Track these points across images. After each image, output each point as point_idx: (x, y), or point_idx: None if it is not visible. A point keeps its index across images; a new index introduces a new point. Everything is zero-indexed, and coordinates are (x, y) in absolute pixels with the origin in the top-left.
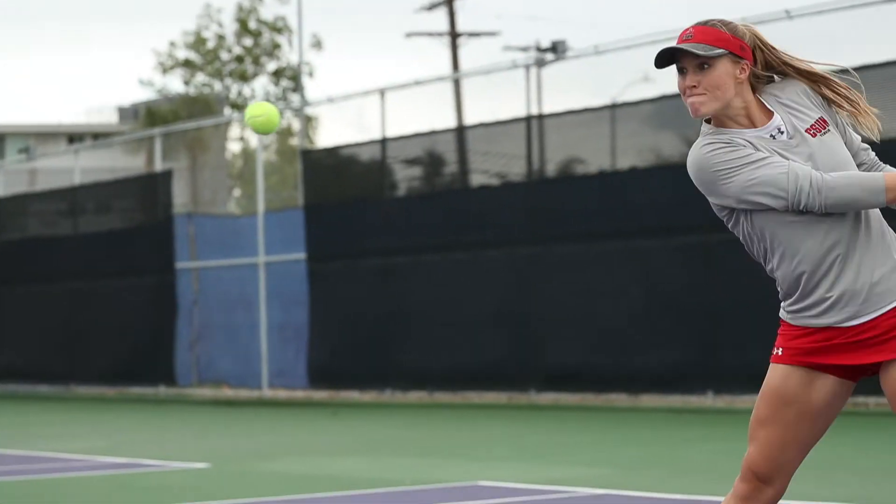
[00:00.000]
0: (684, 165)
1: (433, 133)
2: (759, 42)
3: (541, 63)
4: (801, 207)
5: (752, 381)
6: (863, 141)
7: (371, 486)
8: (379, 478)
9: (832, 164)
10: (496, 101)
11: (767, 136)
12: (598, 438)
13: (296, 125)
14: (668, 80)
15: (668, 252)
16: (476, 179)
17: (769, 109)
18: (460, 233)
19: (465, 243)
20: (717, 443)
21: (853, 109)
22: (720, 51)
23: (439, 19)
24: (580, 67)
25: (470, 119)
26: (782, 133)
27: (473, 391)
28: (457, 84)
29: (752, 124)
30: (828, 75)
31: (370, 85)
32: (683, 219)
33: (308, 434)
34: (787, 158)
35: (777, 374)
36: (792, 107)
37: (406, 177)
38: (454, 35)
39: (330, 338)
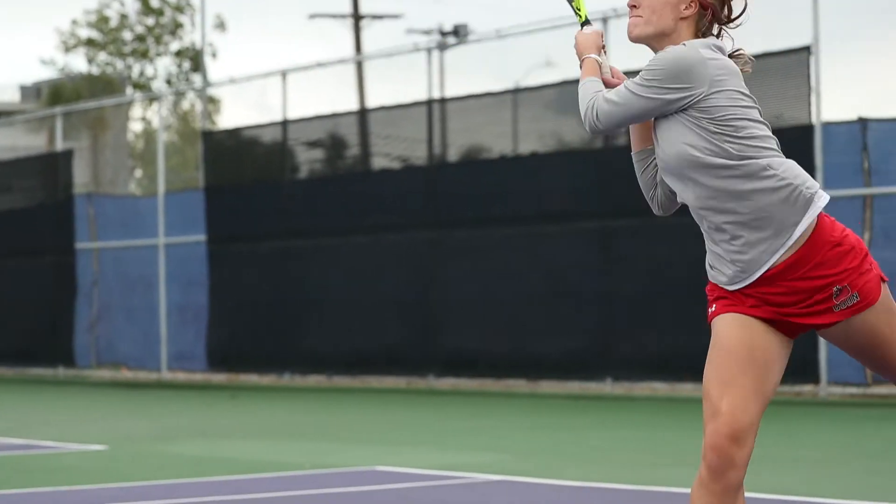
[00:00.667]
0: (585, 151)
1: (335, 115)
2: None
3: (443, 46)
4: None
5: (649, 368)
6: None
7: (269, 470)
8: (277, 461)
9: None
10: (399, 84)
11: None
12: (497, 424)
13: (198, 106)
14: (571, 65)
15: (568, 238)
16: (378, 163)
17: None
18: (361, 216)
19: (366, 227)
20: (615, 430)
21: None
22: None
23: (343, 1)
24: (483, 51)
25: (372, 102)
26: None
27: (372, 375)
28: (359, 67)
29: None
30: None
31: (273, 66)
32: (583, 205)
33: (207, 417)
34: None
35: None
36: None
37: (307, 159)
38: (357, 17)
39: (229, 321)
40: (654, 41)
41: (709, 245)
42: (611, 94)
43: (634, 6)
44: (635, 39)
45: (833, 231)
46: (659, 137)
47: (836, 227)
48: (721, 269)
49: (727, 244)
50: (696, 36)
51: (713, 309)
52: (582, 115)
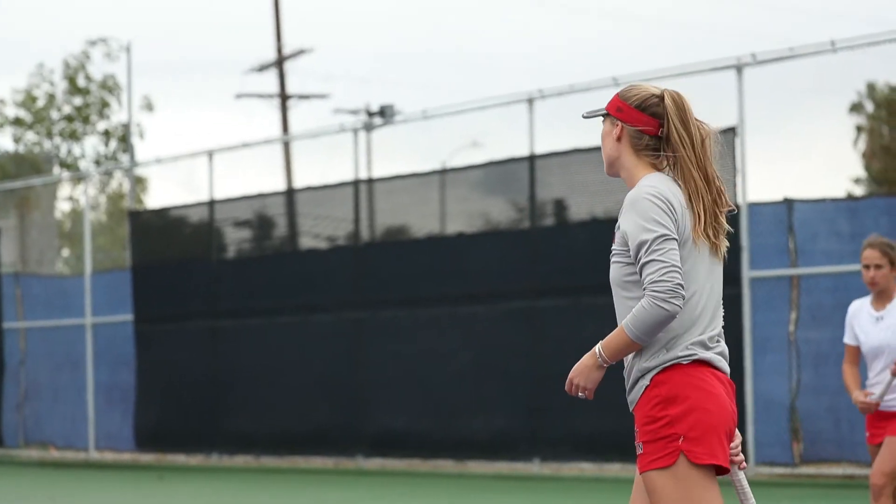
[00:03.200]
0: (512, 231)
1: (262, 196)
2: (673, 115)
3: (369, 127)
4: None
5: (577, 448)
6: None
7: None
8: None
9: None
10: (326, 164)
11: None
12: None
13: (125, 186)
14: (497, 145)
15: (495, 317)
16: (305, 243)
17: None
18: (288, 296)
19: (293, 307)
20: None
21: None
22: (600, 111)
23: (269, 81)
24: (410, 132)
25: (299, 182)
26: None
27: (300, 456)
28: (286, 147)
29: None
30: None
31: (200, 146)
32: (510, 284)
33: (134, 497)
34: None
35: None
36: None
37: (235, 239)
38: (284, 97)
39: (157, 400)
40: (610, 169)
41: None
42: (654, 274)
43: None
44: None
45: None
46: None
47: None
48: None
49: None
50: (637, 154)
51: None
52: (660, 317)
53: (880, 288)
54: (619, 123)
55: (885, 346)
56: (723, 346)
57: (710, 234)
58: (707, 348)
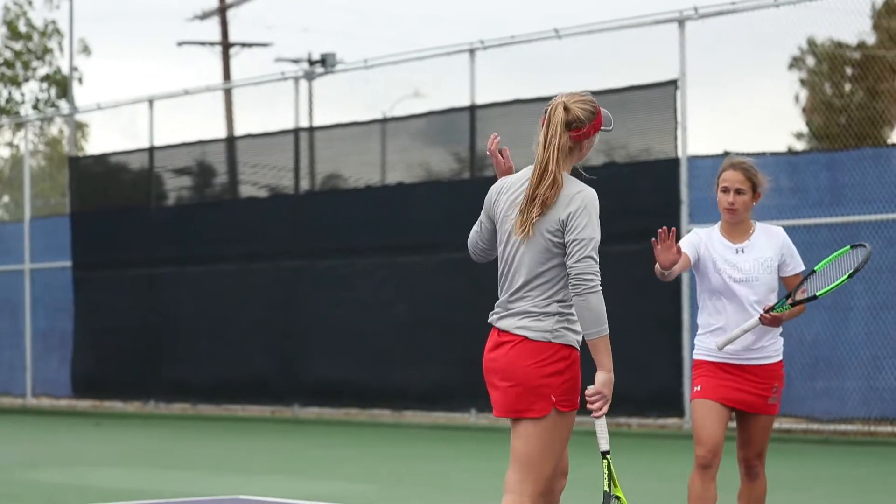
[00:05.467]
0: (453, 182)
1: (202, 143)
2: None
3: (310, 76)
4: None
5: None
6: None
7: (131, 498)
8: (139, 489)
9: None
10: (267, 112)
11: None
12: (361, 454)
13: (66, 132)
14: (439, 96)
15: (433, 268)
16: (245, 191)
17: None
18: (227, 244)
19: (232, 255)
20: (479, 461)
21: None
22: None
23: (212, 29)
24: (352, 81)
25: (241, 131)
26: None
27: (237, 404)
28: (228, 95)
29: None
30: None
31: (142, 93)
32: (450, 235)
33: (71, 444)
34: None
35: None
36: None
37: (175, 186)
38: (226, 45)
39: (94, 347)
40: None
41: None
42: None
43: None
44: None
45: None
46: None
47: None
48: None
49: None
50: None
51: None
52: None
53: (739, 218)
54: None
55: (754, 281)
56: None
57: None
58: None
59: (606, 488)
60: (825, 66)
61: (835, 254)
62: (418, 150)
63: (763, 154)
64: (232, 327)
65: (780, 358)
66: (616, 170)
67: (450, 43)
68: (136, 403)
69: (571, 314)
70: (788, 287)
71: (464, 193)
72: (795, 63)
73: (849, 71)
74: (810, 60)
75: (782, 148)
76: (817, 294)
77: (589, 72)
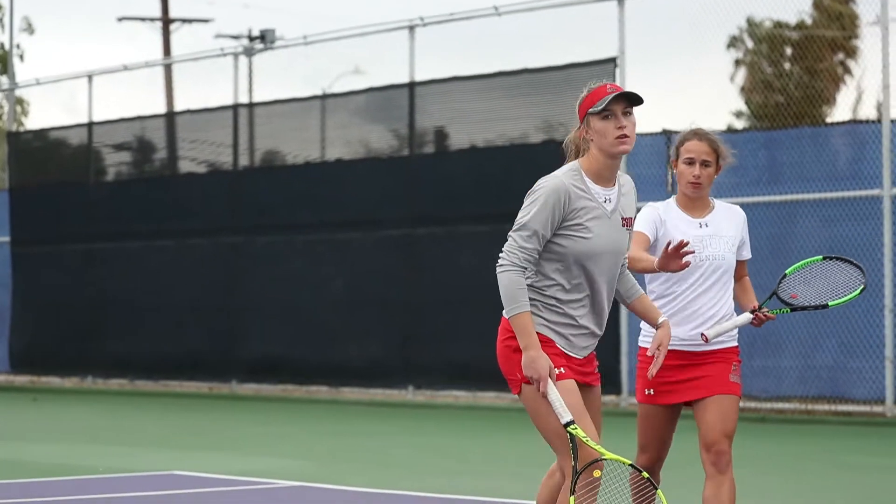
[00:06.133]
0: (392, 159)
1: (141, 118)
2: None
3: (249, 52)
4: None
5: (451, 376)
6: None
7: (67, 473)
8: (76, 465)
9: (619, 249)
10: (207, 88)
11: (603, 196)
12: (299, 430)
13: (5, 107)
14: (378, 73)
15: (372, 245)
16: (184, 167)
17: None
18: (165, 220)
19: (170, 231)
20: (416, 437)
21: None
22: (642, 101)
23: (152, 4)
24: (292, 57)
25: (180, 106)
26: (610, 203)
27: (175, 380)
28: (168, 70)
29: (609, 181)
30: None
31: (82, 68)
32: (388, 212)
33: (7, 419)
34: (596, 222)
35: None
36: (626, 194)
37: (114, 162)
38: (167, 21)
39: (32, 323)
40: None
41: None
42: (508, 245)
43: (625, 126)
44: (624, 154)
45: None
46: None
47: None
48: None
49: None
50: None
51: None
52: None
53: (702, 192)
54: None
55: (720, 260)
56: None
57: None
58: None
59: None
60: (764, 46)
61: (805, 261)
62: (358, 126)
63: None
64: (170, 303)
65: (737, 343)
66: (555, 147)
67: (390, 20)
68: (73, 379)
69: (542, 295)
70: (734, 274)
71: (403, 170)
72: (732, 43)
73: (788, 50)
74: (749, 41)
75: (722, 126)
76: (829, 304)
77: (529, 49)
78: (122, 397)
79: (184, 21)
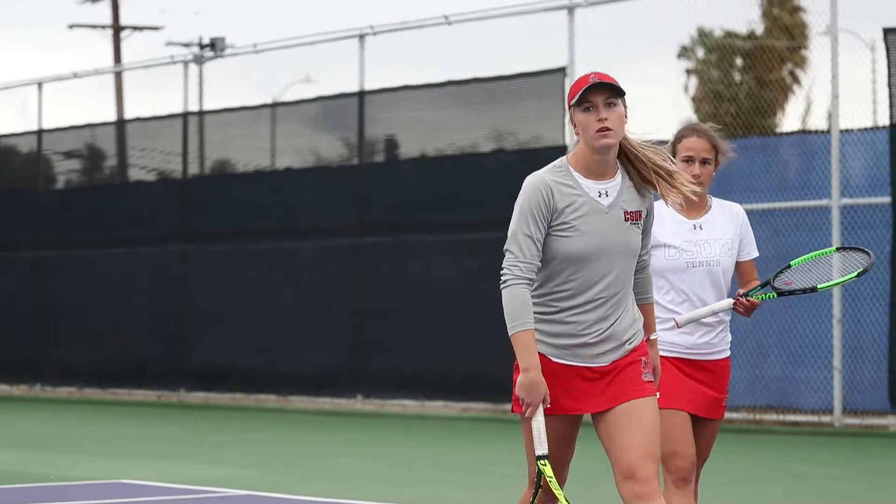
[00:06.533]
0: (342, 168)
1: (91, 126)
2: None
3: (199, 59)
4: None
5: (399, 385)
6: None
7: (14, 481)
8: (23, 472)
9: (621, 248)
10: (157, 96)
11: (596, 191)
12: (247, 439)
13: None
14: (329, 82)
15: (321, 254)
16: (134, 175)
17: (617, 169)
18: (115, 228)
19: (120, 239)
20: (365, 446)
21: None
22: (623, 91)
23: (103, 12)
24: (243, 65)
25: (131, 114)
26: (607, 197)
27: (124, 388)
28: (118, 78)
29: (603, 174)
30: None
31: (32, 76)
32: (337, 221)
33: None
34: (586, 218)
35: None
36: (631, 187)
37: (64, 170)
38: (117, 28)
39: None
40: (611, 150)
41: None
42: (506, 261)
43: (605, 119)
44: (608, 149)
45: None
46: None
47: None
48: None
49: None
50: None
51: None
52: None
53: (702, 192)
54: (625, 111)
55: (714, 266)
56: None
57: None
58: None
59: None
60: (714, 56)
61: (817, 252)
62: (308, 135)
63: (651, 142)
64: (119, 311)
65: (730, 353)
66: (505, 157)
67: (340, 28)
68: (22, 387)
69: (545, 312)
70: (740, 275)
71: (352, 179)
72: (683, 53)
73: (738, 61)
74: (700, 51)
75: (671, 136)
76: (818, 287)
77: (479, 58)
78: (71, 405)
79: (134, 29)
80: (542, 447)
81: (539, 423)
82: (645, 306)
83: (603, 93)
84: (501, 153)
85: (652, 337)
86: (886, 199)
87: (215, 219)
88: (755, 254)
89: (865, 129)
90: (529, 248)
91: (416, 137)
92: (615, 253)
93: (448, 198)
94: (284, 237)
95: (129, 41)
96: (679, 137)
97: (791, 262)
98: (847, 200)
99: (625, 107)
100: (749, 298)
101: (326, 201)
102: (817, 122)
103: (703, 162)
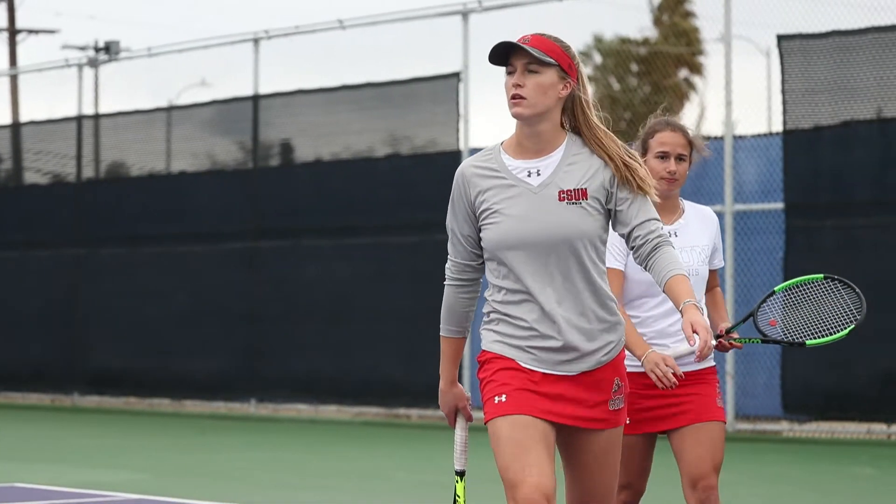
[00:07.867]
0: (237, 171)
1: None
2: (583, 83)
3: (94, 63)
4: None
5: (294, 390)
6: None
7: None
8: None
9: (555, 231)
10: (52, 100)
11: (525, 170)
12: (141, 443)
13: None
14: (224, 86)
15: (215, 258)
16: (29, 178)
17: (558, 145)
18: (8, 231)
19: (14, 242)
20: (259, 451)
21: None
22: (550, 60)
23: None
24: (137, 69)
25: (26, 117)
26: (538, 176)
27: (16, 392)
28: (14, 81)
29: (538, 152)
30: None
31: None
32: (232, 225)
33: None
34: (511, 202)
35: None
36: (578, 163)
37: None
38: (13, 31)
39: None
40: (533, 121)
41: None
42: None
43: (519, 86)
44: (521, 119)
45: None
46: None
47: None
48: None
49: None
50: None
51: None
52: None
53: (676, 190)
54: (568, 80)
55: (692, 276)
56: None
57: None
58: None
59: None
60: (610, 62)
61: (804, 277)
62: (203, 139)
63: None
64: (12, 314)
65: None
66: (399, 161)
67: (235, 32)
68: None
69: (496, 313)
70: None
71: (247, 183)
72: (581, 58)
73: (634, 67)
74: (596, 57)
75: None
76: (807, 343)
77: (374, 63)
78: None
79: (30, 32)
80: (458, 462)
81: (458, 435)
82: (674, 279)
83: (525, 56)
84: (396, 158)
85: (688, 301)
86: (779, 205)
87: (110, 222)
88: (721, 264)
89: (759, 136)
90: (455, 245)
91: (310, 142)
92: (550, 237)
93: (343, 202)
94: (179, 241)
95: (25, 44)
96: (651, 132)
97: (775, 288)
98: (740, 206)
99: (566, 77)
100: (731, 342)
101: (221, 205)
102: (712, 127)
103: (679, 158)
